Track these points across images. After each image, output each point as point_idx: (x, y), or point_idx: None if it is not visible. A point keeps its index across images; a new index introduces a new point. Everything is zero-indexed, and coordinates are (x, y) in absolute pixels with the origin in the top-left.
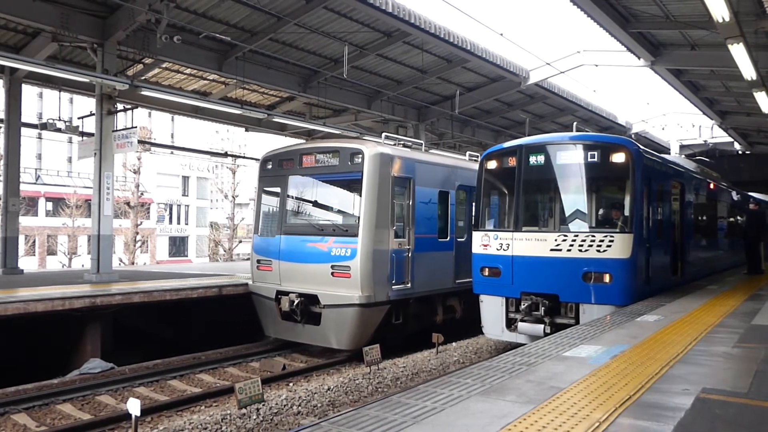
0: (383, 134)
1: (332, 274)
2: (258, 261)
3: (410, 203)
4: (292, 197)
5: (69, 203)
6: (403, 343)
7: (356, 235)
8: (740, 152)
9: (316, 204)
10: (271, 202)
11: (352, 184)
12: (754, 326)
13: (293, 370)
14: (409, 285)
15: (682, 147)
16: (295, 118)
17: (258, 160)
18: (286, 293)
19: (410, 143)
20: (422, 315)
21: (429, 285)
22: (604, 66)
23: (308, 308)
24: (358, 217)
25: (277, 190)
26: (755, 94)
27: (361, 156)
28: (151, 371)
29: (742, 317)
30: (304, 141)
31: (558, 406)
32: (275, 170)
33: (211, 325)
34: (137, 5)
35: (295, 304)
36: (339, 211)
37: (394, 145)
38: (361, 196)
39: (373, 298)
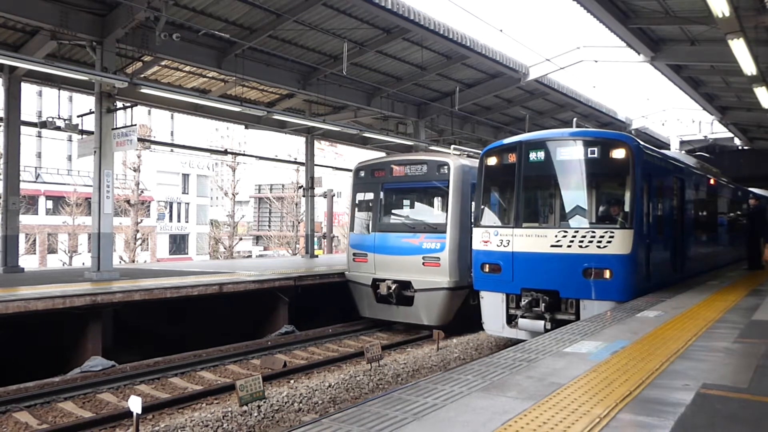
0: (452, 146)
1: (423, 263)
2: (354, 254)
3: None
4: (385, 201)
5: (69, 201)
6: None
7: (444, 232)
8: (740, 148)
9: (407, 206)
10: (364, 205)
11: (439, 190)
12: (755, 321)
13: (294, 367)
14: None
15: (682, 143)
16: (295, 115)
17: (257, 157)
18: (382, 280)
19: (472, 152)
20: None
21: None
22: (603, 62)
23: (401, 292)
24: (446, 217)
25: (371, 195)
26: (755, 89)
27: (447, 167)
28: (152, 369)
29: (743, 313)
30: (385, 154)
31: (559, 402)
32: (368, 178)
33: (212, 323)
34: (136, 3)
35: (391, 289)
36: (428, 212)
37: (459, 155)
38: (447, 199)
39: (458, 283)
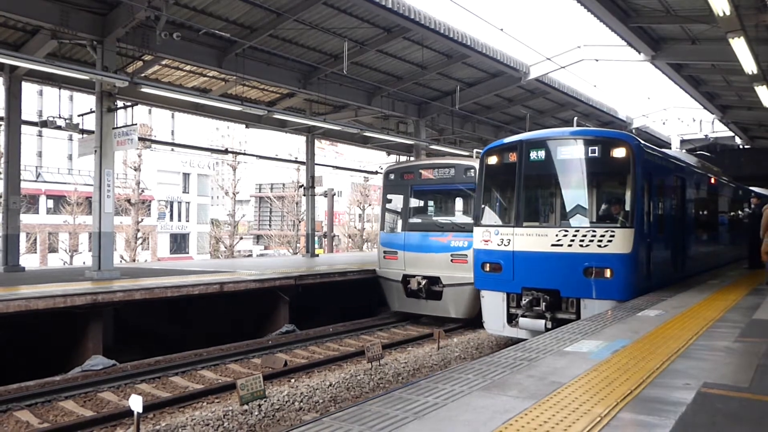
0: (474, 150)
1: (451, 260)
2: (384, 252)
3: None
4: (414, 202)
5: (70, 200)
6: None
7: (472, 231)
8: (741, 147)
9: (435, 207)
10: (394, 206)
11: (466, 192)
12: (756, 321)
13: (295, 366)
14: None
15: (682, 142)
16: (296, 114)
17: (258, 156)
18: (412, 276)
19: None
20: None
21: None
22: (604, 61)
23: (430, 287)
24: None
25: (400, 196)
26: (756, 88)
27: (473, 171)
28: (152, 368)
29: (744, 312)
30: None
31: (559, 401)
32: (397, 181)
33: (213, 322)
34: (136, 2)
35: (421, 284)
36: (456, 212)
37: None
38: (473, 200)
39: None
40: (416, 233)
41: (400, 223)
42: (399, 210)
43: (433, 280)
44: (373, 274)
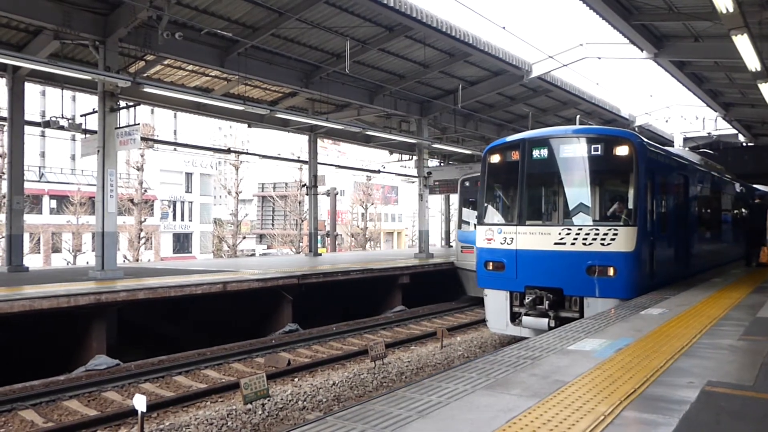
0: None
1: None
2: (462, 247)
3: None
4: None
5: (73, 201)
6: None
7: None
8: (744, 144)
9: None
10: (469, 208)
11: None
12: (760, 319)
13: (298, 366)
14: None
15: (685, 139)
16: (298, 113)
17: (260, 156)
18: None
19: None
20: None
21: None
22: (607, 59)
23: None
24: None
25: (474, 200)
26: (759, 85)
27: None
28: (156, 367)
29: (747, 310)
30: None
31: (563, 399)
32: (472, 187)
33: (216, 321)
34: (138, 2)
35: None
36: None
37: None
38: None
39: None
40: None
41: (474, 222)
42: (473, 212)
43: None
44: (376, 274)
